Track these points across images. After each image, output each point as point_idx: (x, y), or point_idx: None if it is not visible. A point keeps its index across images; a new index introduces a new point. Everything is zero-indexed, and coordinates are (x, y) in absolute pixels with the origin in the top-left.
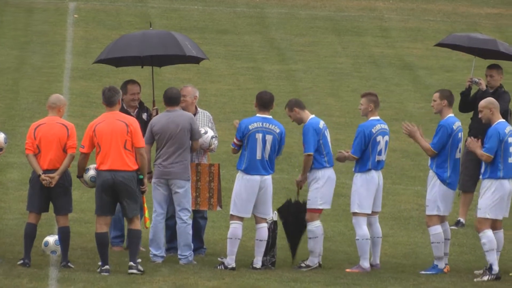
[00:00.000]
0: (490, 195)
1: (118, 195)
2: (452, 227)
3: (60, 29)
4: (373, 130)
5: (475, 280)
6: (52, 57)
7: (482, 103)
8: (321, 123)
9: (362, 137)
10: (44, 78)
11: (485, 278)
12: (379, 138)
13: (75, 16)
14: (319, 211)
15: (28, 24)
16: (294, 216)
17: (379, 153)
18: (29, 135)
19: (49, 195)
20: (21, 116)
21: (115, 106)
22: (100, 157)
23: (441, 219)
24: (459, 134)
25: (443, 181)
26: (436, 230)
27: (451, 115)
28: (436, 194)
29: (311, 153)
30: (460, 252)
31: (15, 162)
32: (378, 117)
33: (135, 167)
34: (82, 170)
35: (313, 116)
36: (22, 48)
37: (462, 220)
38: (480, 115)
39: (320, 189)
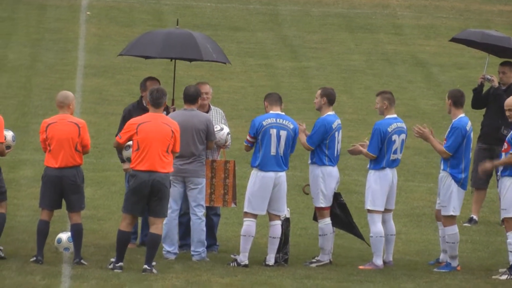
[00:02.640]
0: None
1: (151, 195)
2: (465, 224)
3: (73, 26)
4: (389, 129)
5: (493, 277)
6: (65, 54)
7: (508, 101)
8: (336, 123)
9: (378, 135)
10: (56, 75)
11: (504, 277)
12: (394, 137)
13: (88, 13)
14: (327, 208)
15: (40, 21)
16: (338, 207)
17: (395, 152)
18: (41, 131)
19: (62, 192)
20: (34, 113)
21: (160, 108)
22: (138, 155)
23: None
24: (471, 134)
25: (457, 182)
26: (453, 230)
27: (462, 115)
28: (452, 195)
29: (312, 147)
30: (473, 249)
31: (27, 159)
32: (395, 115)
33: (171, 170)
34: (120, 151)
35: (332, 113)
36: (35, 45)
37: (475, 217)
38: (508, 114)
39: (321, 187)
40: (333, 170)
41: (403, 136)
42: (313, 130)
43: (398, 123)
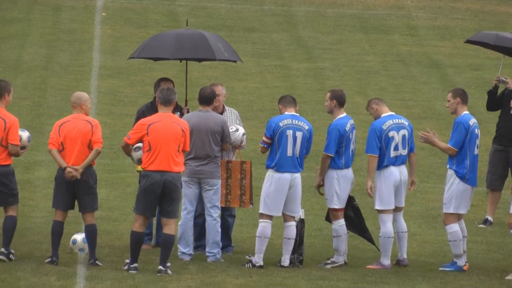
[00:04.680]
0: None
1: (162, 196)
2: (480, 226)
3: (88, 27)
4: (384, 127)
5: (506, 278)
6: (80, 55)
7: None
8: (349, 124)
9: (374, 134)
10: (72, 76)
11: None
12: (392, 133)
13: (103, 14)
14: (341, 209)
15: (56, 22)
16: (352, 210)
17: (396, 149)
18: (53, 131)
19: (74, 193)
20: (49, 114)
21: (170, 107)
22: (149, 156)
23: (459, 217)
24: (476, 130)
25: (462, 178)
26: (453, 228)
27: (466, 112)
28: (454, 193)
29: (331, 155)
30: (488, 250)
31: (42, 160)
32: (390, 113)
33: (182, 169)
34: (128, 152)
35: (343, 115)
36: (50, 46)
37: (490, 218)
38: None
39: (336, 189)
40: (348, 172)
41: (403, 131)
42: (328, 138)
43: (394, 120)
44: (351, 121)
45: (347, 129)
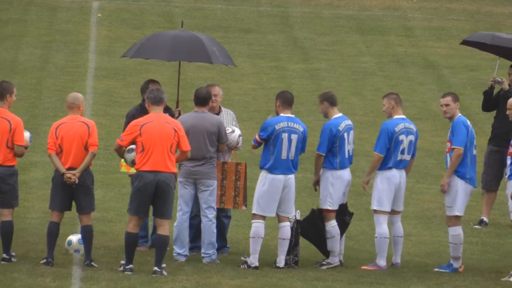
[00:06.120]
0: None
1: (156, 196)
2: (476, 226)
3: (83, 28)
4: (396, 129)
5: (502, 279)
6: (76, 56)
7: (510, 101)
8: (343, 124)
9: (386, 134)
10: (67, 77)
11: None
12: (401, 137)
13: (99, 15)
14: (333, 211)
15: (52, 23)
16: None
17: (402, 152)
18: (50, 134)
19: (72, 194)
20: (45, 115)
21: (161, 106)
22: (142, 156)
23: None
24: (473, 130)
25: (463, 177)
26: (456, 231)
27: (460, 114)
28: (458, 195)
29: (322, 153)
30: (483, 251)
31: (38, 161)
32: (403, 116)
33: (175, 170)
34: (121, 154)
35: (339, 115)
36: (45, 47)
37: (485, 219)
38: (508, 112)
39: (330, 190)
40: (344, 174)
41: (411, 137)
42: (320, 137)
43: (406, 124)
44: (347, 122)
45: (340, 128)
